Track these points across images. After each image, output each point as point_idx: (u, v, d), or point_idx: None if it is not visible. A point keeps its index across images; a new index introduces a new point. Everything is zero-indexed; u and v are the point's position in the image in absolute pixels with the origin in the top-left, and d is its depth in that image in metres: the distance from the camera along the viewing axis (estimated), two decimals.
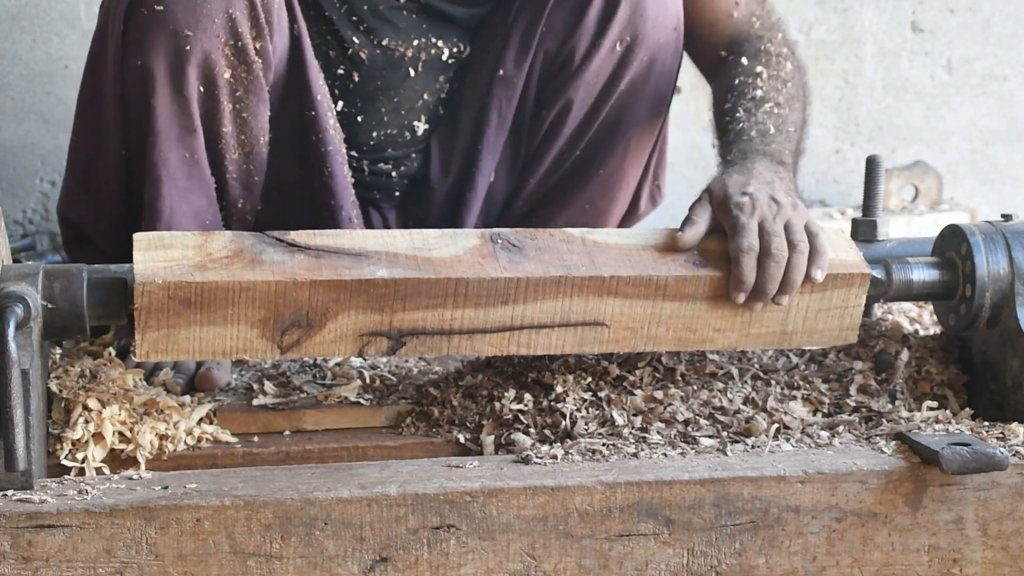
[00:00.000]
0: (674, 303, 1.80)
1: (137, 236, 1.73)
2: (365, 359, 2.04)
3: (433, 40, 2.17)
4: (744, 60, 2.08)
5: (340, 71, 2.16)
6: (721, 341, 1.84)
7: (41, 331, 1.68)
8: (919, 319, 2.19)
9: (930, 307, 2.18)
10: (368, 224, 2.25)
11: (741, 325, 1.83)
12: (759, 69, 2.05)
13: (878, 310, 2.06)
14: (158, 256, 1.70)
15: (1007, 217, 1.94)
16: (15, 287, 1.63)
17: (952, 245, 1.92)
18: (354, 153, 2.20)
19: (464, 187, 2.24)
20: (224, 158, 2.02)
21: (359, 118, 2.19)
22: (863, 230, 1.98)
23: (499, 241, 1.79)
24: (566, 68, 2.16)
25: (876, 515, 1.67)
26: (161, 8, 1.90)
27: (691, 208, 1.86)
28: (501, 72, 2.18)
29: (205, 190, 2.01)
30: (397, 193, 2.28)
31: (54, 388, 1.79)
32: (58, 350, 1.94)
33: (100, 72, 2.00)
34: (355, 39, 2.15)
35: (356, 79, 2.17)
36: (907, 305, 2.23)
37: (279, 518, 1.57)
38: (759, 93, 2.01)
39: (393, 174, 2.25)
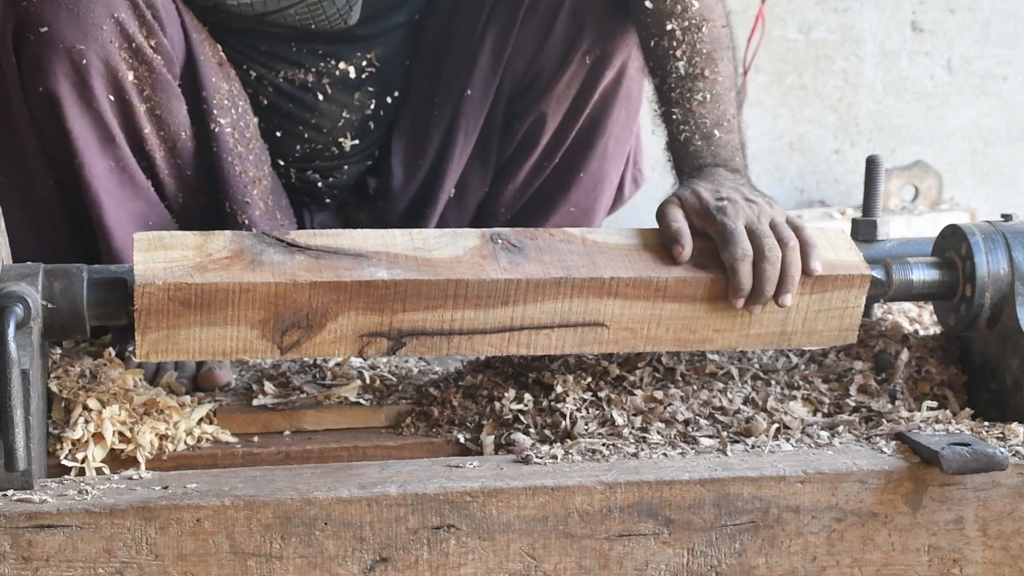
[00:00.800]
0: (674, 304, 1.79)
1: (137, 236, 1.73)
2: (365, 359, 2.04)
3: (333, 63, 2.14)
4: (648, 4, 1.96)
5: (249, 91, 2.13)
6: (721, 341, 1.84)
7: (41, 331, 1.68)
8: (919, 319, 2.19)
9: (930, 307, 2.18)
10: (300, 224, 2.23)
11: (741, 326, 1.83)
12: (670, 27, 1.94)
13: (878, 310, 2.06)
14: (158, 256, 1.69)
15: (1007, 217, 1.94)
16: (15, 287, 1.63)
17: (952, 245, 1.92)
18: (280, 161, 2.18)
19: (424, 202, 2.23)
20: (153, 158, 1.99)
21: (277, 133, 2.17)
22: (863, 230, 1.98)
23: (499, 241, 1.79)
24: (536, 84, 2.15)
25: (876, 515, 1.67)
26: (46, 28, 1.84)
27: (665, 213, 1.83)
28: (469, 92, 2.16)
29: (142, 194, 1.98)
30: (328, 200, 2.26)
31: (54, 388, 1.79)
32: (58, 350, 1.93)
33: (8, 108, 1.94)
34: (251, 72, 2.13)
35: (265, 103, 2.15)
36: (907, 305, 2.23)
37: (279, 518, 1.57)
38: (682, 67, 1.93)
39: (320, 184, 2.23)
